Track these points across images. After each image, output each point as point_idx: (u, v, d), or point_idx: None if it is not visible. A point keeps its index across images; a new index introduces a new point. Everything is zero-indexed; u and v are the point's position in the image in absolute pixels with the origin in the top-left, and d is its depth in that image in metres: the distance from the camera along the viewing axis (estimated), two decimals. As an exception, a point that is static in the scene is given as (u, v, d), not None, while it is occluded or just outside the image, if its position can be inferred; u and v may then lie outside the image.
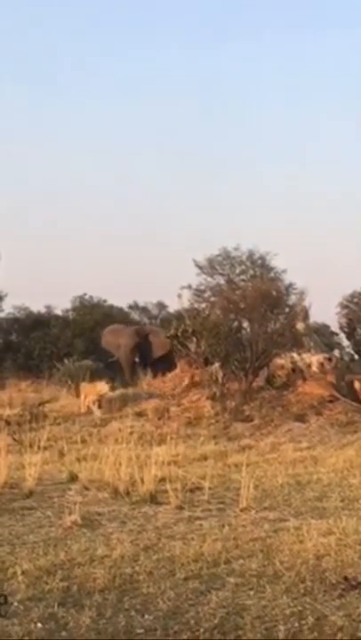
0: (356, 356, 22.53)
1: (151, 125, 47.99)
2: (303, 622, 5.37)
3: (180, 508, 8.99)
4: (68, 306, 33.26)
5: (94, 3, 48.27)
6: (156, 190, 45.75)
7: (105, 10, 48.27)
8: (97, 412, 17.81)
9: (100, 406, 18.01)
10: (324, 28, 48.42)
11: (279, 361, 19.10)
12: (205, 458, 12.74)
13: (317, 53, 50.24)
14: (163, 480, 9.74)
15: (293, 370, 18.76)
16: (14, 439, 14.34)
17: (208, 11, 48.33)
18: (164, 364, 23.78)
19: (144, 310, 34.31)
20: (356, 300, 24.31)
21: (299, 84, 48.90)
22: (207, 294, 24.76)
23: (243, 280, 25.45)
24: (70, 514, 8.37)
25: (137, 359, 24.00)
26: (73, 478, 10.80)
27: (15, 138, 47.11)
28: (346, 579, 6.23)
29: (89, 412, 18.02)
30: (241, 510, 8.87)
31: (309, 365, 19.03)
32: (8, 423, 16.10)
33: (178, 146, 47.86)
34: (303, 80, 49.71)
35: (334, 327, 28.34)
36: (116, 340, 24.90)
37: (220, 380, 17.69)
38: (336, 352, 21.02)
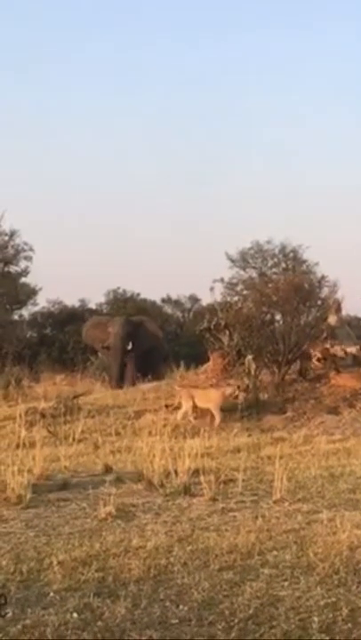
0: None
1: (181, 114, 48.08)
2: (337, 613, 5.39)
3: (214, 499, 9.02)
4: (102, 300, 33.50)
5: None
6: (189, 183, 45.86)
7: (105, 6, 48.52)
8: (217, 420, 15.76)
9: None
10: (324, 22, 48.38)
11: (313, 353, 19.08)
12: (239, 450, 12.76)
13: (314, 48, 50.23)
14: (196, 472, 9.78)
15: (325, 359, 18.67)
16: (49, 432, 14.47)
17: (204, 7, 48.43)
18: (150, 361, 23.78)
19: (177, 303, 34.43)
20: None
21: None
22: (240, 287, 24.80)
23: (275, 273, 25.48)
24: (105, 505, 8.42)
25: (129, 347, 23.84)
26: (107, 470, 10.88)
27: (38, 142, 47.55)
28: (380, 570, 6.24)
29: (186, 419, 15.99)
30: (274, 502, 8.88)
31: (343, 357, 18.97)
32: (43, 416, 16.22)
33: (205, 136, 47.89)
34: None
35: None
36: (101, 334, 24.59)
37: (252, 372, 17.67)
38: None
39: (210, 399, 16.19)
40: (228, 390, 16.39)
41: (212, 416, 15.96)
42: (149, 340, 24.52)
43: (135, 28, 50.17)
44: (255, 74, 50.00)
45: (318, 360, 18.74)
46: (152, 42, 50.65)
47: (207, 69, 49.02)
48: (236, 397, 16.22)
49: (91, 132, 49.94)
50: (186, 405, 16.19)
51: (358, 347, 19.43)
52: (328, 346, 19.02)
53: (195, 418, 15.96)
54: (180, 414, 16.12)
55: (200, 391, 16.78)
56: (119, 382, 23.21)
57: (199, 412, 16.20)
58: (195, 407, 16.14)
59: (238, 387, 16.40)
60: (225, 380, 18.42)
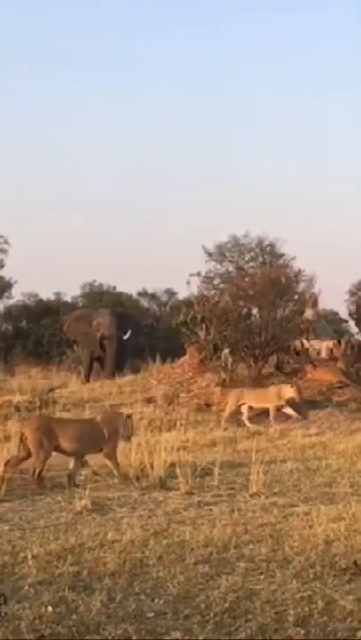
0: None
1: (153, 109, 48.06)
2: (313, 607, 5.38)
3: (190, 493, 9.02)
4: (78, 293, 33.41)
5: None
6: (167, 177, 45.84)
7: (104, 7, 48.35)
8: (293, 414, 15.34)
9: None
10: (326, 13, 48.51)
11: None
12: (215, 444, 12.76)
13: (326, 44, 50.20)
14: (172, 466, 9.77)
15: (298, 352, 18.72)
16: (25, 425, 14.37)
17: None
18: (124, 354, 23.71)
19: (153, 297, 34.40)
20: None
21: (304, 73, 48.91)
22: (216, 281, 24.83)
23: (252, 267, 25.52)
24: (80, 499, 8.39)
25: (126, 336, 23.55)
26: (83, 464, 10.82)
27: (22, 135, 47.37)
28: (355, 564, 6.23)
29: (237, 421, 15.35)
30: (251, 496, 8.90)
31: (318, 352, 19.05)
32: (18, 409, 16.12)
33: (185, 133, 47.86)
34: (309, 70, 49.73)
35: (343, 314, 28.43)
36: (85, 327, 24.31)
37: (229, 366, 17.69)
38: (344, 338, 21.01)
39: (269, 398, 15.69)
40: (286, 389, 15.72)
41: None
42: (134, 334, 24.40)
43: (132, 26, 50.07)
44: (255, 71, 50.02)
45: (297, 353, 18.80)
46: (151, 39, 50.57)
47: (206, 66, 49.03)
48: (293, 399, 15.69)
49: (76, 129, 49.73)
50: (231, 407, 15.62)
51: (335, 341, 19.51)
52: (304, 340, 19.09)
53: (249, 419, 15.51)
54: (225, 416, 15.55)
55: (256, 391, 16.20)
56: (116, 371, 22.98)
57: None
58: (250, 407, 15.62)
59: (292, 385, 15.88)
60: (201, 372, 18.41)
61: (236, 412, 15.62)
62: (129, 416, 10.65)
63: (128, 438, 10.35)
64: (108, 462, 10.04)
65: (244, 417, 15.54)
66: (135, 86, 49.66)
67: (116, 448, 10.15)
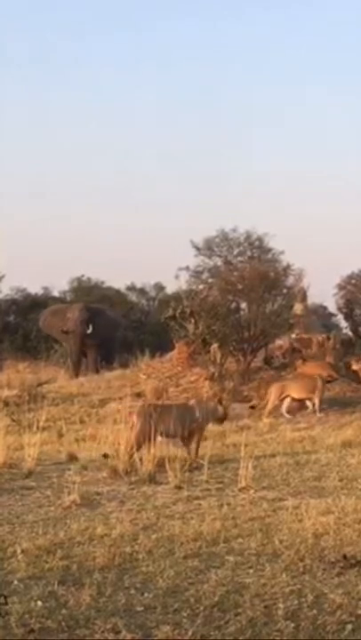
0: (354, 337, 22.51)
1: (149, 104, 47.96)
2: (302, 600, 5.38)
3: (179, 487, 9.00)
4: (66, 287, 33.30)
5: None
6: (155, 172, 45.77)
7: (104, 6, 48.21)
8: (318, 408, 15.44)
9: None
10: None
11: (278, 342, 19.17)
12: (204, 438, 12.73)
13: (318, 35, 50.16)
14: (162, 460, 9.75)
15: (294, 349, 18.77)
16: (13, 420, 14.35)
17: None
18: (109, 350, 23.74)
19: (142, 292, 34.30)
20: (354, 281, 24.32)
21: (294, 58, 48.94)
22: (205, 275, 24.76)
23: (240, 261, 25.45)
24: (69, 493, 8.38)
25: (89, 331, 23.52)
26: (72, 458, 10.81)
27: (16, 127, 47.25)
28: (345, 557, 6.24)
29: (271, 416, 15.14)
30: (240, 490, 8.89)
31: (308, 346, 19.09)
32: (6, 404, 16.10)
33: (176, 128, 47.78)
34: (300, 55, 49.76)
35: (332, 308, 28.41)
36: (59, 322, 24.22)
37: (218, 360, 17.68)
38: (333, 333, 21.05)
39: (313, 388, 15.71)
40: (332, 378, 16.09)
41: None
42: (108, 329, 24.36)
43: (131, 21, 49.94)
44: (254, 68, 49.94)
45: (294, 350, 18.83)
46: (150, 37, 50.44)
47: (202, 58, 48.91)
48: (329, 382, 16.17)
49: (72, 126, 49.53)
50: (274, 401, 15.50)
51: (324, 335, 19.54)
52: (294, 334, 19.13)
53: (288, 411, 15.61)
54: (266, 412, 15.41)
55: (299, 382, 16.13)
56: (77, 367, 23.06)
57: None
58: (293, 399, 15.69)
59: (330, 375, 16.16)
60: (189, 367, 18.40)
61: (279, 406, 15.65)
62: (220, 400, 11.27)
63: (221, 421, 11.26)
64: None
65: (283, 409, 15.62)
66: (134, 85, 49.44)
67: (204, 431, 10.97)
